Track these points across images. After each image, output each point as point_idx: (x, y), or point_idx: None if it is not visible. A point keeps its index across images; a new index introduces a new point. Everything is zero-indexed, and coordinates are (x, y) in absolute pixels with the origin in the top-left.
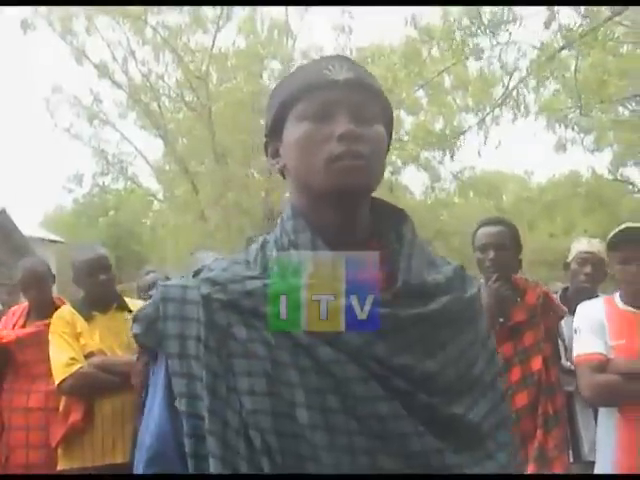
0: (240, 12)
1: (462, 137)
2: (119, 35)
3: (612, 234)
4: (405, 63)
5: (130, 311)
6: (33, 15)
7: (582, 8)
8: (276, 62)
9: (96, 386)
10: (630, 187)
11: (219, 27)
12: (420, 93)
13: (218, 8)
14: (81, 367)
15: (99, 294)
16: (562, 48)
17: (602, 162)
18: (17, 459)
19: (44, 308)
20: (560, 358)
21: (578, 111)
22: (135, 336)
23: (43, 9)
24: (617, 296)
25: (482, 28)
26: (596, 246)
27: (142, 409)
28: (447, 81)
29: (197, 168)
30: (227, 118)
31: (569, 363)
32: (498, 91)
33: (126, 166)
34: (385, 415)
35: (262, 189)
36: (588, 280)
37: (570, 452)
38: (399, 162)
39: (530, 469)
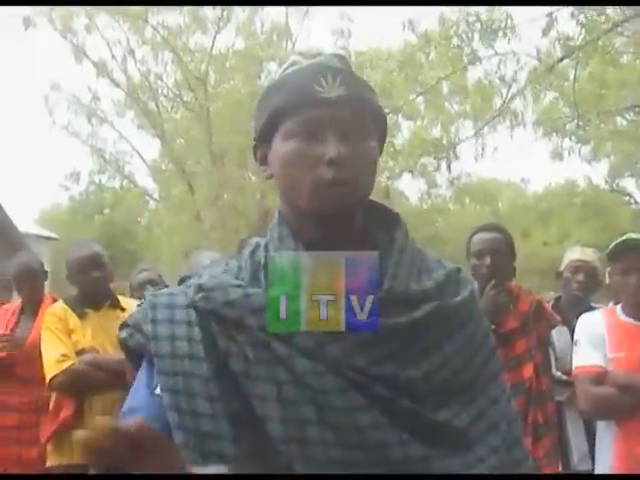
0: (240, 14)
1: (460, 146)
2: (119, 34)
3: (613, 245)
4: (403, 69)
5: (123, 309)
6: (34, 12)
7: (581, 16)
8: (274, 64)
9: (87, 383)
10: (627, 198)
11: (219, 28)
12: (418, 99)
13: (218, 9)
14: (72, 364)
15: (92, 291)
16: (561, 59)
17: (599, 172)
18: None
19: (37, 305)
20: (551, 367)
21: (575, 122)
22: (122, 341)
23: (45, 7)
24: (619, 308)
25: (479, 34)
26: (589, 255)
27: None
28: (445, 87)
29: (194, 168)
30: (225, 119)
31: (559, 373)
32: (496, 101)
33: (123, 164)
34: (364, 425)
35: (258, 191)
36: (580, 289)
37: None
38: (396, 169)
39: None
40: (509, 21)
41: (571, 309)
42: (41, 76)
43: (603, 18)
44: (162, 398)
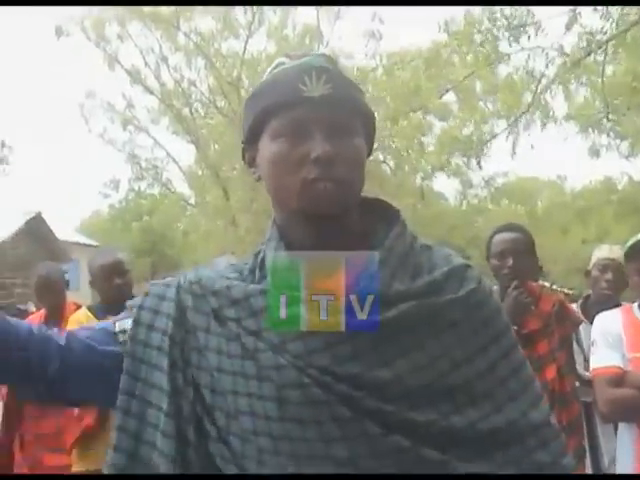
0: (271, 17)
1: (490, 143)
2: (151, 41)
3: (629, 244)
4: (430, 68)
5: None
6: (67, 22)
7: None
8: None
9: None
10: None
11: (250, 33)
12: (450, 98)
13: (249, 14)
14: None
15: (115, 298)
16: (588, 54)
17: (638, 168)
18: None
19: (60, 313)
20: (575, 367)
21: (607, 116)
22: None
23: (77, 15)
24: (635, 306)
25: (502, 31)
26: (617, 253)
27: None
28: (478, 86)
29: (228, 173)
30: None
31: (588, 373)
32: (527, 98)
33: (160, 171)
34: (324, 420)
35: None
36: (609, 287)
37: (589, 464)
38: (429, 168)
39: None
40: (532, 17)
41: (599, 308)
42: (76, 84)
43: (633, 9)
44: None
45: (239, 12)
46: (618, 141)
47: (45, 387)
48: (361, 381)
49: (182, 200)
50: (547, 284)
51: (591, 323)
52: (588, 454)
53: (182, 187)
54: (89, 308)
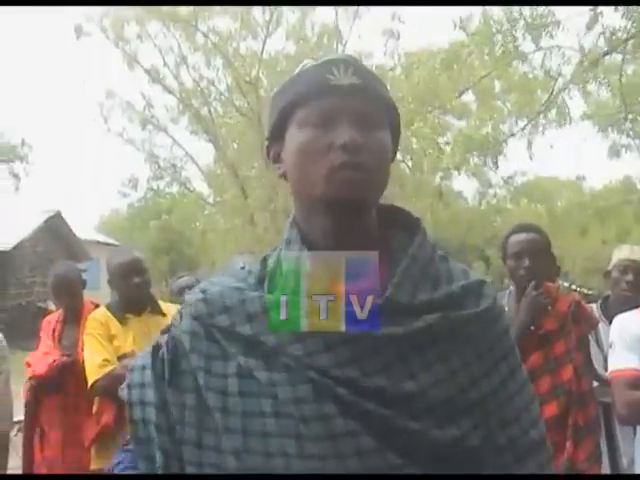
0: (290, 17)
1: (507, 143)
2: (170, 41)
3: None
4: (449, 67)
5: (164, 314)
6: (86, 21)
7: (623, 9)
8: None
9: None
10: None
11: (269, 32)
12: (469, 98)
13: (267, 13)
14: (114, 368)
15: (133, 297)
16: (606, 53)
17: None
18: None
19: (77, 313)
20: (593, 368)
21: (624, 116)
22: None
23: (96, 15)
24: None
25: (522, 32)
26: (638, 253)
27: None
28: (496, 86)
29: (247, 173)
30: None
31: (607, 374)
32: (545, 96)
33: (179, 171)
34: (349, 454)
35: None
36: (630, 289)
37: (608, 465)
38: (447, 167)
39: None
40: (552, 16)
41: (619, 309)
42: (95, 84)
43: None
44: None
45: (257, 12)
46: (638, 141)
47: None
48: (387, 395)
49: (200, 199)
50: (566, 284)
51: (611, 324)
52: (607, 455)
53: (201, 186)
54: (107, 307)
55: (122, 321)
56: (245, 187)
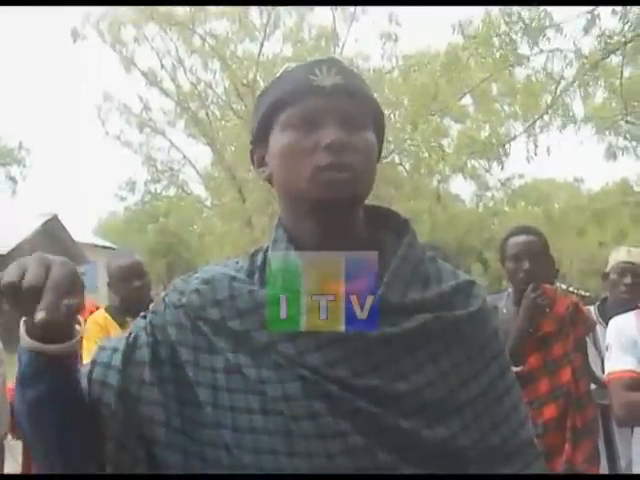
0: (287, 20)
1: (508, 145)
2: (167, 44)
3: None
4: (448, 70)
5: None
6: (83, 24)
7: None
8: None
9: None
10: None
11: (266, 35)
12: (467, 100)
13: (265, 16)
14: None
15: (133, 300)
16: (606, 56)
17: None
18: None
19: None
20: (591, 370)
21: (624, 119)
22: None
23: (93, 18)
24: None
25: (520, 34)
26: (636, 256)
27: None
28: (494, 88)
29: (244, 175)
30: None
31: (605, 376)
32: (545, 99)
33: (177, 174)
34: (338, 454)
35: None
36: (628, 291)
37: (606, 467)
38: (446, 170)
39: None
40: (550, 20)
41: (617, 311)
42: (93, 87)
43: None
44: None
45: (254, 15)
46: (635, 143)
47: None
48: (378, 394)
49: (198, 202)
50: (564, 286)
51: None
52: (605, 457)
53: (198, 189)
54: (107, 309)
55: (122, 324)
56: (243, 190)
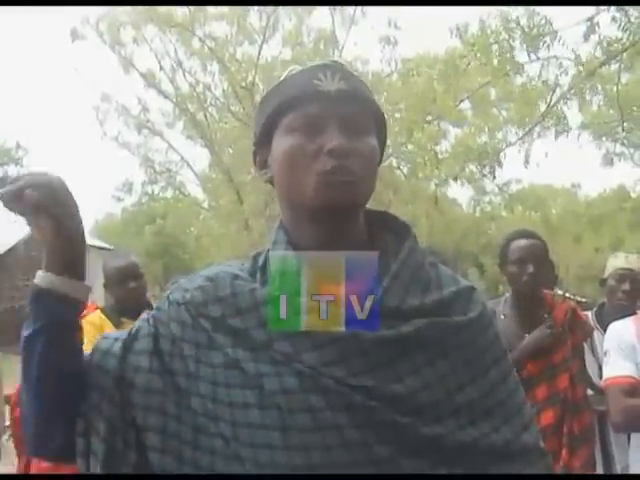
0: (286, 23)
1: (504, 152)
2: (167, 46)
3: None
4: (446, 75)
5: None
6: (82, 25)
7: (623, 19)
8: None
9: None
10: None
11: (265, 38)
12: (465, 105)
13: (264, 18)
14: None
15: (129, 301)
16: (603, 63)
17: None
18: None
19: None
20: (588, 376)
21: (621, 126)
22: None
23: (92, 18)
24: None
25: (519, 42)
26: (634, 262)
27: None
28: (492, 94)
29: (242, 178)
30: None
31: (602, 382)
32: (542, 106)
33: (174, 175)
34: (341, 425)
35: None
36: (626, 297)
37: (601, 472)
38: (443, 175)
39: None
40: (549, 26)
41: (615, 317)
42: (91, 87)
43: None
44: None
45: (254, 17)
46: (632, 150)
47: None
48: (376, 394)
49: (195, 204)
50: (560, 292)
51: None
52: (601, 463)
53: (196, 191)
54: (102, 310)
55: (117, 325)
56: (240, 192)
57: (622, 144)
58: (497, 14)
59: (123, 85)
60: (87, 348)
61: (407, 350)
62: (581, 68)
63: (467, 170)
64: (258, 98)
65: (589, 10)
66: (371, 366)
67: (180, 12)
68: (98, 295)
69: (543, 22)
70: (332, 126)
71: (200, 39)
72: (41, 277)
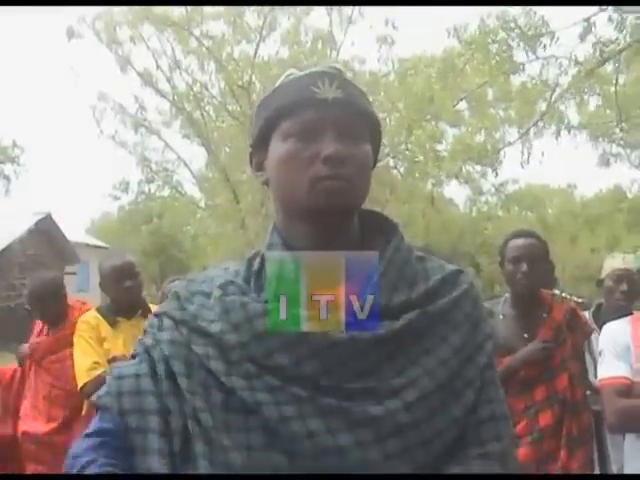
0: (284, 22)
1: (503, 152)
2: (164, 44)
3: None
4: (444, 75)
5: None
6: (79, 23)
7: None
8: None
9: None
10: None
11: (262, 37)
12: (462, 105)
13: (261, 17)
14: (104, 371)
15: (124, 300)
16: (601, 64)
17: None
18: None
19: (57, 322)
20: (587, 376)
21: (619, 126)
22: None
23: (89, 17)
24: None
25: (517, 41)
26: (630, 262)
27: None
28: (490, 94)
29: (239, 177)
30: None
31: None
32: (540, 106)
33: (171, 174)
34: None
35: None
36: (625, 298)
37: (597, 472)
38: (441, 175)
39: None
40: (546, 27)
41: (612, 317)
42: (88, 86)
43: None
44: None
45: (251, 16)
46: (628, 150)
47: None
48: (378, 392)
49: (192, 203)
50: (557, 292)
51: None
52: (597, 463)
53: (192, 190)
54: (98, 310)
55: (113, 324)
56: (237, 191)
57: (619, 145)
58: (495, 14)
59: (120, 84)
60: (83, 347)
61: (402, 344)
62: (579, 68)
63: (464, 170)
64: (255, 97)
65: (586, 11)
66: (371, 366)
67: (177, 11)
68: (95, 294)
69: (540, 22)
70: (328, 133)
71: (197, 38)
72: None
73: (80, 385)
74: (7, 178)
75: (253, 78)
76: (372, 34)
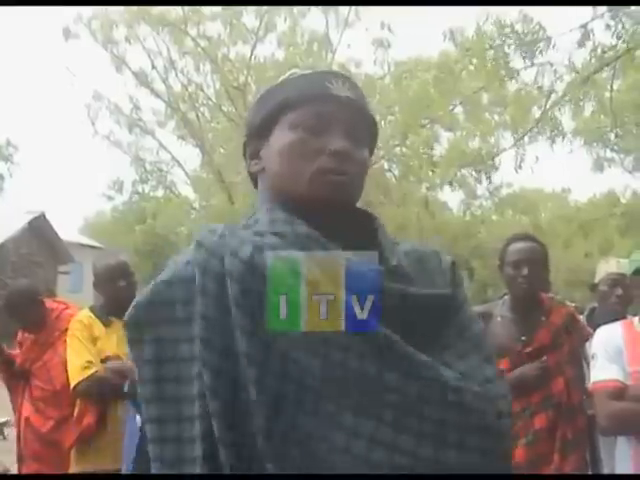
0: (280, 24)
1: (499, 158)
2: (159, 44)
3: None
4: (441, 80)
5: None
6: (74, 23)
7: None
8: None
9: (110, 390)
10: None
11: (258, 38)
12: (457, 109)
13: (257, 19)
14: (97, 371)
15: (118, 300)
16: (597, 71)
17: None
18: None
19: (36, 328)
20: (584, 380)
21: (614, 132)
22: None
23: (85, 17)
24: (636, 320)
25: (514, 47)
26: (625, 267)
27: None
28: (485, 99)
29: (233, 178)
30: None
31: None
32: (535, 112)
33: (165, 175)
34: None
35: None
36: (619, 302)
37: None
38: (436, 180)
39: None
40: (543, 32)
41: (606, 321)
42: (83, 85)
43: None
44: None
45: (247, 18)
46: (622, 155)
47: None
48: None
49: (186, 204)
50: (551, 296)
51: None
52: (589, 465)
53: (186, 191)
54: (91, 309)
55: (106, 324)
56: (231, 193)
57: (612, 150)
58: (491, 20)
59: (115, 84)
60: (77, 346)
61: (395, 327)
62: (574, 75)
63: (458, 174)
64: (250, 98)
65: (583, 17)
66: (375, 352)
67: (173, 11)
68: (88, 293)
69: (537, 28)
70: (338, 128)
71: (193, 39)
72: None
73: (73, 384)
74: (1, 177)
75: (249, 79)
76: (368, 37)
